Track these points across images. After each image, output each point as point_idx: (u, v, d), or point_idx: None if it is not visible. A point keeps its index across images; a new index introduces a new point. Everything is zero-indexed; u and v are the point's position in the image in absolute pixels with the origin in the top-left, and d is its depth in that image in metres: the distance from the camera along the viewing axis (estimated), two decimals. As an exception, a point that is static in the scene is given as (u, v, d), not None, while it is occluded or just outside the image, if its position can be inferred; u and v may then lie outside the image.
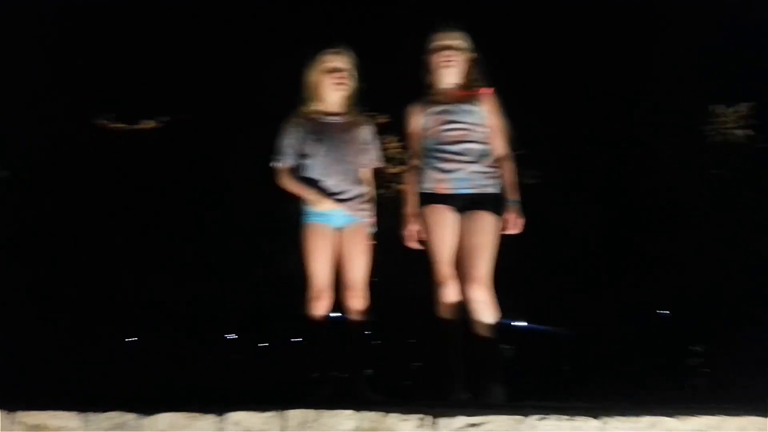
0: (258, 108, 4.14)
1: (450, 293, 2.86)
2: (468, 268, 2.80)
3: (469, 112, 2.91)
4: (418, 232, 2.95)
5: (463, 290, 2.83)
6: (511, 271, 3.50)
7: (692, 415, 2.14)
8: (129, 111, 4.27)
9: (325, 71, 2.99)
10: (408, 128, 3.05)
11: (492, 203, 2.88)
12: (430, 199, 2.93)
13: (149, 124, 4.24)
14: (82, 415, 2.15)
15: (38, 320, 3.31)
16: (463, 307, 2.86)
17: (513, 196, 2.89)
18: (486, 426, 2.15)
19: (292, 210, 3.07)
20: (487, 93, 2.95)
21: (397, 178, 3.99)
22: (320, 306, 2.91)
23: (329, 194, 2.92)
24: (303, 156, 2.97)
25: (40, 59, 4.44)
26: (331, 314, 2.92)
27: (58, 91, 4.33)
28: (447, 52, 2.96)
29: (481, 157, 2.90)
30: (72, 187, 4.00)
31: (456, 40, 2.97)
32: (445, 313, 2.88)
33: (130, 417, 2.16)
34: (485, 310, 2.79)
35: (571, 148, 4.30)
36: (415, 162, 3.01)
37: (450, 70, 2.96)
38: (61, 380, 2.80)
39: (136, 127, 4.25)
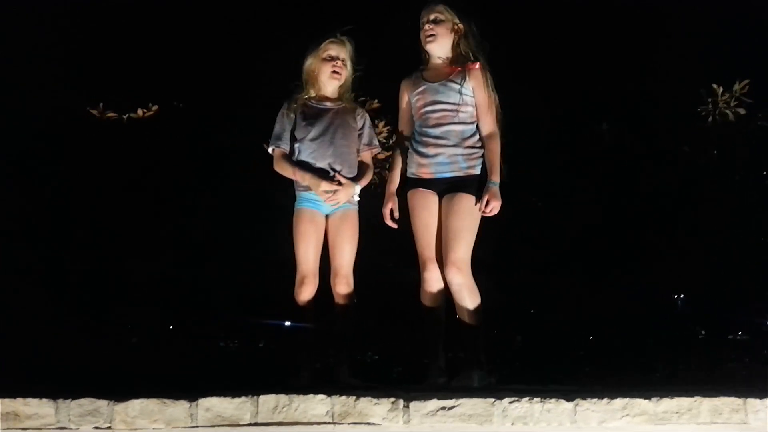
0: (252, 95, 4.11)
1: (431, 277, 2.83)
2: (446, 252, 2.77)
3: (453, 91, 2.84)
4: (392, 211, 2.93)
5: (444, 274, 2.80)
6: (496, 255, 3.49)
7: (665, 397, 2.13)
8: (120, 100, 4.25)
9: (323, 58, 3.02)
10: (400, 104, 3.02)
11: (472, 185, 2.82)
12: (414, 183, 2.91)
13: (142, 112, 4.21)
14: (54, 402, 2.16)
15: (8, 308, 3.32)
16: (446, 291, 2.83)
17: (494, 177, 2.79)
18: (457, 409, 2.15)
19: (283, 196, 3.07)
20: (473, 68, 2.87)
21: (386, 163, 3.96)
22: (306, 291, 2.91)
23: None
24: (295, 140, 3.00)
25: (28, 49, 4.42)
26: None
27: (48, 81, 4.32)
28: (428, 26, 2.90)
29: (462, 138, 2.84)
30: (62, 176, 4.00)
31: (438, 13, 2.90)
32: (426, 298, 2.85)
33: (102, 403, 2.16)
34: (464, 293, 2.75)
35: (564, 131, 4.23)
36: (404, 142, 2.99)
37: (434, 45, 2.91)
38: (33, 367, 2.82)
39: (129, 115, 4.22)
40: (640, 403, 2.13)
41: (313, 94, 3.05)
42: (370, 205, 3.13)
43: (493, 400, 2.14)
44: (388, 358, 3.59)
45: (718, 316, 3.87)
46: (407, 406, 2.15)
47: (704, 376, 3.36)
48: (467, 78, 2.86)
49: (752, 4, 4.28)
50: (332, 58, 3.03)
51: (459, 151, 2.84)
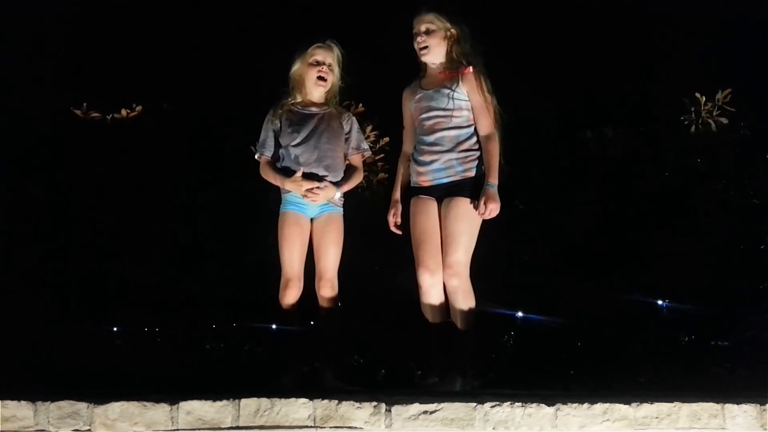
0: (239, 96, 4.11)
1: (426, 284, 2.81)
2: (444, 255, 2.78)
3: (447, 97, 2.85)
4: (394, 215, 2.95)
5: (443, 277, 2.79)
6: (479, 258, 3.49)
7: (645, 402, 2.15)
8: (104, 100, 4.23)
9: (309, 63, 3.03)
10: (403, 113, 3.03)
11: (468, 188, 2.81)
12: (415, 192, 2.92)
13: (126, 113, 4.19)
14: (33, 404, 2.14)
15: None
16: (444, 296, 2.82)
17: (491, 178, 2.77)
18: (439, 413, 2.15)
19: (269, 199, 3.07)
20: (466, 72, 2.87)
21: (373, 167, 3.96)
22: (290, 294, 2.91)
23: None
24: (280, 146, 3.01)
25: (11, 49, 4.39)
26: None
27: (32, 81, 4.29)
28: (420, 38, 2.92)
29: (457, 143, 2.84)
30: (43, 175, 3.97)
31: (428, 23, 2.91)
32: (426, 311, 2.83)
33: (81, 406, 2.14)
34: (458, 296, 2.76)
35: (553, 139, 4.26)
36: (407, 150, 3.00)
37: (428, 55, 2.92)
38: (12, 368, 2.78)
39: (113, 116, 4.19)
40: (620, 408, 2.15)
41: (299, 99, 3.05)
42: (356, 208, 3.13)
43: (475, 404, 2.15)
44: (373, 362, 3.59)
45: (702, 322, 3.91)
46: (389, 410, 2.15)
47: (687, 382, 3.40)
48: (460, 82, 2.87)
49: (735, 15, 4.34)
50: (318, 63, 3.03)
51: (454, 155, 2.84)
